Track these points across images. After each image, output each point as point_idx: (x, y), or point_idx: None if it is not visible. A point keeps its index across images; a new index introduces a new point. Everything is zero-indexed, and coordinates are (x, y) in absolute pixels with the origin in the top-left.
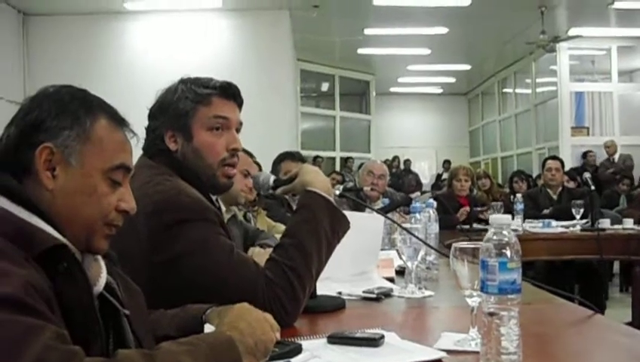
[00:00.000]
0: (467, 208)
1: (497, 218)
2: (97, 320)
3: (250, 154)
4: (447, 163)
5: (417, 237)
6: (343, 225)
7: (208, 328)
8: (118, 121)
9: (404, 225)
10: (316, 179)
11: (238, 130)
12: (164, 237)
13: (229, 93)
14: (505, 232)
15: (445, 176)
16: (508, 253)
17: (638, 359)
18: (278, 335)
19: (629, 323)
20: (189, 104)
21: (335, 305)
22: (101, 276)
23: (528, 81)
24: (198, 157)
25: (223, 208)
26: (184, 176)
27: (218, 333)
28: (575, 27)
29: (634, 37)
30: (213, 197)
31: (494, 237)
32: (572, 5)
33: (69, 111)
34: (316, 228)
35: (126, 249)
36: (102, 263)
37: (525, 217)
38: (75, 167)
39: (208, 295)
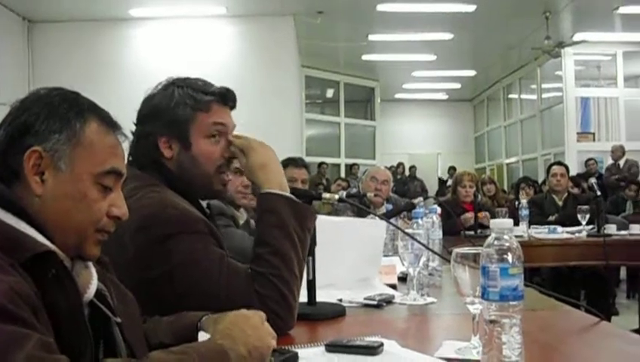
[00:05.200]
0: (472, 214)
1: (498, 223)
2: (87, 328)
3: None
4: (452, 169)
5: (419, 242)
6: (310, 219)
7: (202, 336)
8: (110, 125)
9: (406, 230)
10: (268, 178)
11: (228, 134)
12: (153, 253)
13: (227, 98)
14: (506, 237)
15: (450, 182)
16: (509, 258)
17: None
18: (274, 343)
19: (636, 330)
20: (189, 111)
21: (335, 312)
22: (92, 283)
23: (534, 86)
24: (195, 165)
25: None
26: (173, 186)
27: (210, 342)
28: (580, 32)
29: (639, 42)
30: (203, 204)
31: (495, 243)
32: (577, 10)
33: (58, 114)
34: (287, 230)
35: (112, 262)
36: (93, 270)
37: (531, 223)
38: (64, 171)
39: (201, 308)
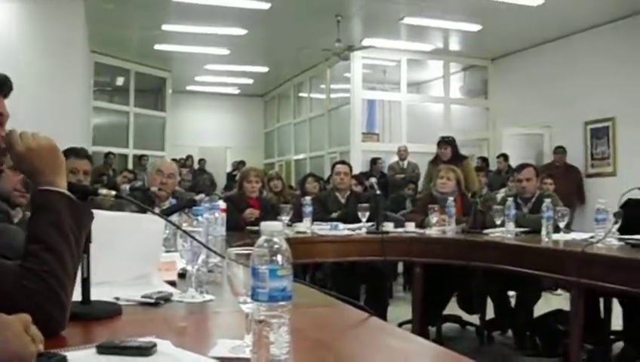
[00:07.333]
0: (252, 209)
1: (268, 225)
2: None
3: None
4: (241, 163)
5: (196, 239)
6: (87, 217)
7: None
8: None
9: (187, 226)
10: (45, 172)
11: (2, 124)
12: None
13: None
14: (276, 239)
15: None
16: (279, 260)
17: (404, 361)
18: (41, 347)
19: (409, 321)
20: None
21: (110, 312)
22: None
23: (323, 86)
24: None
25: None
26: None
27: None
28: (369, 38)
29: (421, 51)
30: None
31: (265, 244)
32: (366, 17)
33: None
34: (62, 228)
35: None
36: None
37: (314, 220)
38: None
39: None
